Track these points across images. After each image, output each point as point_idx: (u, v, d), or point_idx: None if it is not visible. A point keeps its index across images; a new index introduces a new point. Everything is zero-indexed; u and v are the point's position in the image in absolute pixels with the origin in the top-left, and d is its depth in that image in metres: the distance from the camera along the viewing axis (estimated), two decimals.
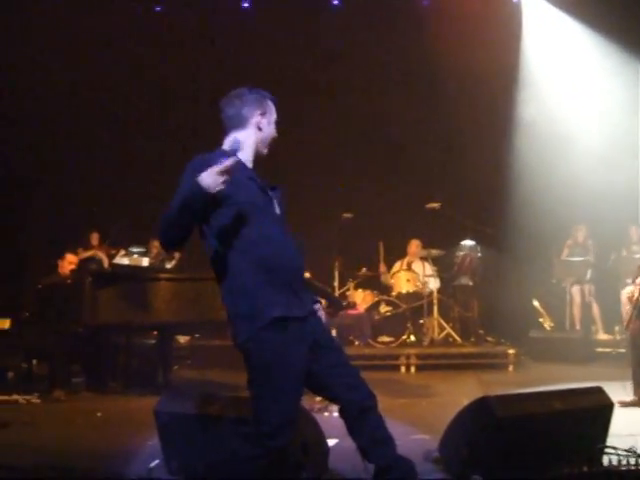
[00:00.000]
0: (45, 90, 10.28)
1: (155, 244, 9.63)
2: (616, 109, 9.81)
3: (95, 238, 10.26)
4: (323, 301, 6.97)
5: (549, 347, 9.16)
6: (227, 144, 3.21)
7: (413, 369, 8.85)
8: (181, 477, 4.00)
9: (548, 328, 9.94)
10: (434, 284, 9.92)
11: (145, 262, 9.09)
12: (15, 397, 6.75)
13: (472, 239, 9.90)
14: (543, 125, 10.29)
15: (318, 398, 5.39)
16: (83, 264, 8.65)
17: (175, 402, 4.19)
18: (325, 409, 5.57)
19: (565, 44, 10.56)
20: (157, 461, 4.17)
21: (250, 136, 3.22)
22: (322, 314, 3.29)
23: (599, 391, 4.12)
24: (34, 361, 7.66)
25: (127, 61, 10.61)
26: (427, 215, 9.75)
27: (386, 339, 9.47)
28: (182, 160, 3.16)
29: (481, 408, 3.80)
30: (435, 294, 9.76)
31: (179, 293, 7.08)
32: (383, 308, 9.72)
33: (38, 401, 6.76)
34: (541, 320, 10.06)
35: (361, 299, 9.87)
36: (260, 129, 3.22)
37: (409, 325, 9.53)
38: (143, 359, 7.87)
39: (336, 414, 3.30)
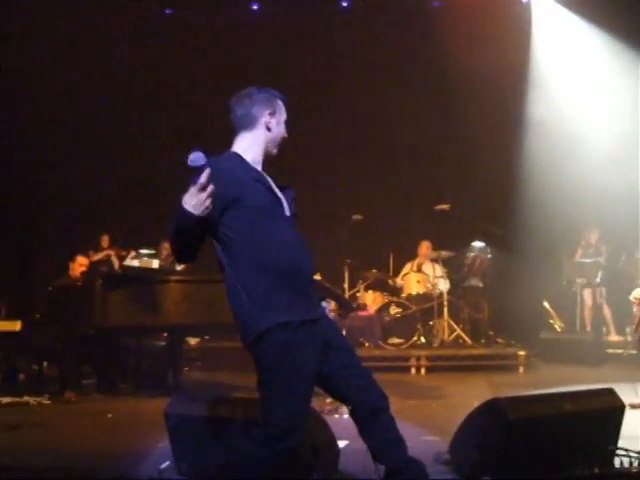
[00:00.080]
0: (62, 89, 10.33)
1: (165, 246, 9.60)
2: (626, 109, 9.76)
3: (105, 240, 10.31)
4: (333, 303, 6.98)
5: (560, 348, 9.10)
6: (195, 158, 2.83)
7: (423, 371, 8.83)
8: (191, 478, 4.00)
9: (559, 329, 9.91)
10: (444, 285, 9.89)
11: (155, 264, 9.09)
12: (26, 399, 6.78)
13: (482, 240, 9.90)
14: (553, 125, 10.25)
15: (328, 400, 5.42)
16: (95, 266, 8.68)
17: (185, 404, 4.20)
18: (335, 411, 5.57)
19: (574, 44, 10.53)
20: (167, 462, 4.17)
21: (259, 136, 3.17)
22: (330, 315, 3.28)
23: (610, 393, 4.08)
24: (45, 363, 7.70)
25: (131, 61, 10.64)
26: (437, 216, 9.74)
27: (396, 341, 9.46)
28: None
29: (492, 410, 3.79)
30: (445, 295, 9.74)
31: (189, 295, 7.08)
32: (393, 310, 9.71)
33: (49, 402, 6.79)
34: (551, 321, 10.02)
35: (371, 301, 9.86)
36: (269, 129, 3.18)
37: (419, 327, 9.52)
38: (153, 361, 7.90)
39: (346, 416, 3.30)
